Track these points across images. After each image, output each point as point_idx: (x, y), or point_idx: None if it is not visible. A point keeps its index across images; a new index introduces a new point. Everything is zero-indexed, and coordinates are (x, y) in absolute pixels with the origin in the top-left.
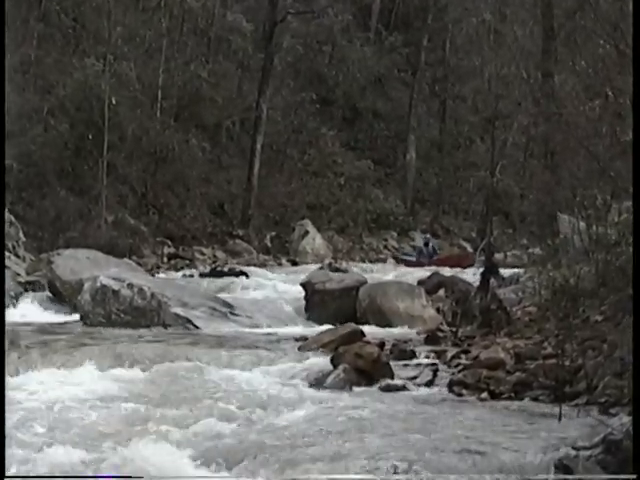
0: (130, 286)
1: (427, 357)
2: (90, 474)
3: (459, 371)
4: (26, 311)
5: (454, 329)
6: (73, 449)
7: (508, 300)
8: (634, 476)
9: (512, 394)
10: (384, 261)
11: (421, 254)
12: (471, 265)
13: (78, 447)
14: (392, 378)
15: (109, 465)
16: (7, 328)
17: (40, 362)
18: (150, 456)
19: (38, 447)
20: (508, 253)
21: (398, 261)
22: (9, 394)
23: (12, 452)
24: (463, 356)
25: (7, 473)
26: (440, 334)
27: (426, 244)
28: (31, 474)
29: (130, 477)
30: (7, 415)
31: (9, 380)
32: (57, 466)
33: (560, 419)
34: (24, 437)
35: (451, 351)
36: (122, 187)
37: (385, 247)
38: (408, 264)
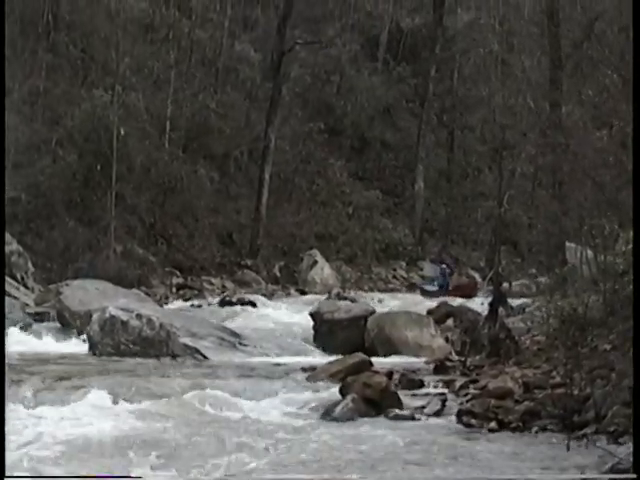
0: (139, 317)
1: (436, 387)
2: None
3: (467, 400)
4: (35, 341)
5: (463, 358)
6: None
7: (516, 329)
8: (634, 476)
9: (520, 423)
10: (399, 290)
11: (443, 285)
12: (474, 295)
13: None
14: (401, 408)
15: None
16: (15, 357)
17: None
18: None
19: None
20: (516, 282)
21: (423, 293)
22: None
23: None
24: (472, 385)
25: None
26: (449, 363)
27: (443, 274)
28: None
29: (129, 477)
30: None
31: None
32: None
33: (568, 448)
34: None
35: (460, 380)
36: (131, 218)
37: (394, 277)
38: (432, 295)
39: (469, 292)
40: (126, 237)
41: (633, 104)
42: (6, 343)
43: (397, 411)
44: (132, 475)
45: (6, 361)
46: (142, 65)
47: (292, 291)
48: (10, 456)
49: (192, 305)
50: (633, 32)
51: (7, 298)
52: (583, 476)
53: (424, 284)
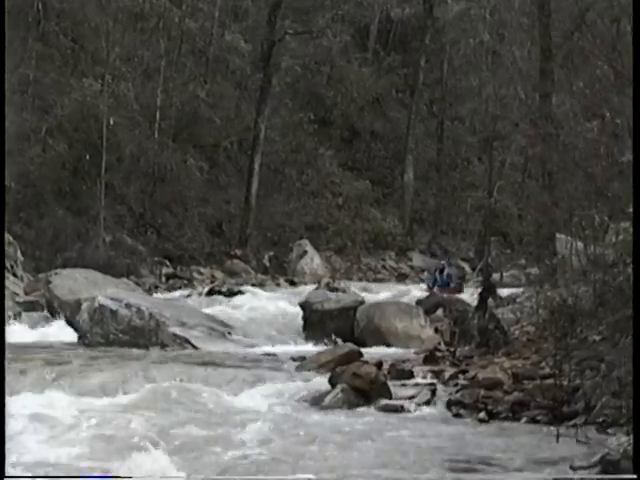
0: (128, 306)
1: (425, 377)
2: None
3: (457, 391)
4: (24, 331)
5: (452, 349)
6: None
7: (506, 320)
8: (634, 476)
9: (510, 414)
10: (389, 281)
11: (435, 282)
12: (462, 291)
13: None
14: (390, 398)
15: None
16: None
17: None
18: None
19: None
20: (506, 273)
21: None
22: None
23: None
24: (461, 376)
25: None
26: (438, 354)
27: (441, 271)
28: None
29: (120, 477)
30: None
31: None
32: None
33: (558, 439)
34: None
35: (449, 371)
36: (120, 207)
37: (383, 267)
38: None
39: (458, 288)
40: (115, 226)
41: (633, 104)
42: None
43: (387, 401)
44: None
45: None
46: (132, 54)
47: (281, 281)
48: None
49: (181, 295)
50: (633, 32)
51: None
52: (583, 476)
53: (429, 280)
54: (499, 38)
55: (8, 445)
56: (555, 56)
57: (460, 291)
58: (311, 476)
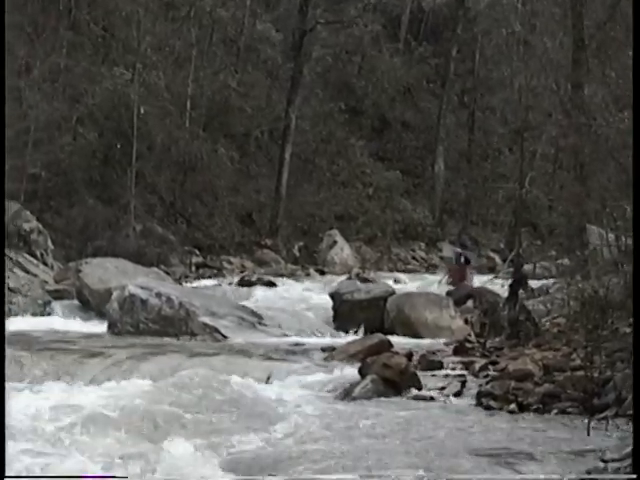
0: (158, 295)
1: (455, 368)
2: None
3: (487, 382)
4: (54, 319)
5: (482, 340)
6: None
7: (537, 311)
8: (634, 476)
9: (540, 406)
10: (418, 271)
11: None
12: (464, 280)
13: None
14: (420, 389)
15: None
16: (36, 335)
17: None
18: None
19: None
20: (537, 264)
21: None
22: None
23: None
24: (491, 367)
25: None
26: (468, 345)
27: (458, 257)
28: None
29: (114, 477)
30: None
31: None
32: None
33: (589, 432)
34: None
35: (479, 362)
36: (150, 196)
37: (413, 258)
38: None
39: (459, 278)
40: (146, 215)
41: (633, 104)
42: (23, 321)
43: (416, 392)
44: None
45: (22, 339)
46: (163, 43)
47: (311, 271)
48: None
49: (211, 284)
50: (633, 32)
51: (26, 275)
52: (583, 476)
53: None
54: (531, 28)
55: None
56: (588, 46)
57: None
58: (356, 476)
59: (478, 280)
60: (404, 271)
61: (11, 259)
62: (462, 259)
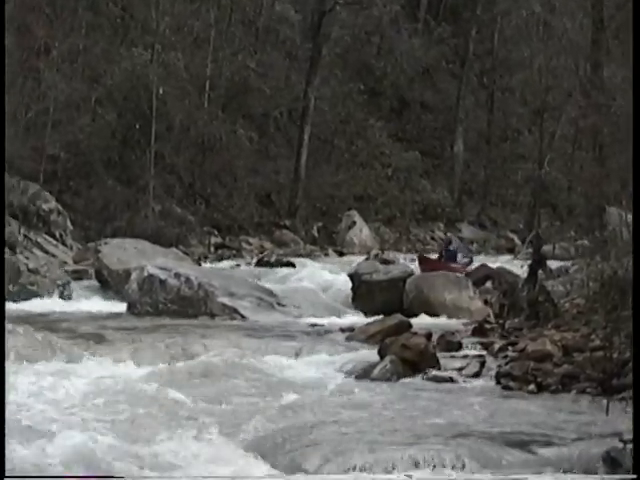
0: (177, 276)
1: (474, 349)
2: None
3: (506, 363)
4: (73, 300)
5: (501, 321)
6: None
7: (556, 292)
8: (634, 476)
9: (559, 386)
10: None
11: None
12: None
13: None
14: (439, 369)
15: None
16: (55, 315)
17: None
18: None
19: None
20: (556, 245)
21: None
22: None
23: None
24: (510, 348)
25: None
26: (487, 326)
27: (447, 244)
28: None
29: (112, 477)
30: None
31: None
32: None
33: (608, 412)
34: None
35: (498, 343)
36: (169, 177)
37: (432, 238)
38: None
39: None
40: (165, 196)
41: (633, 104)
42: (43, 303)
43: (435, 372)
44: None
45: (41, 319)
46: (182, 24)
47: (330, 252)
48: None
49: (230, 265)
50: (633, 32)
51: (46, 256)
52: (582, 476)
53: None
54: (550, 9)
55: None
56: (607, 27)
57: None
58: (410, 473)
59: (498, 261)
60: (423, 252)
61: (30, 240)
62: (444, 255)
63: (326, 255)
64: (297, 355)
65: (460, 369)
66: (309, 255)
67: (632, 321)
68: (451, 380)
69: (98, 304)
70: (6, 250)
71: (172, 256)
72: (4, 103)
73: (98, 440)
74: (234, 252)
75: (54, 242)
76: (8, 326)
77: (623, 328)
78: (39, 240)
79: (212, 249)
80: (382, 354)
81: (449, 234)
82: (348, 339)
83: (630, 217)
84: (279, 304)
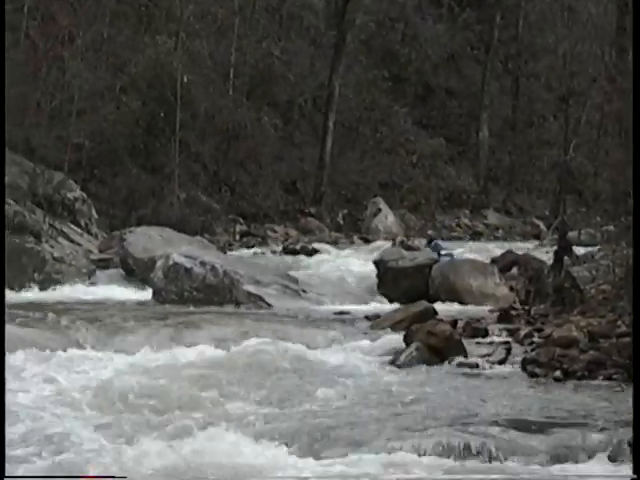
0: (202, 264)
1: (500, 335)
2: None
3: (532, 349)
4: (98, 288)
5: (527, 307)
6: None
7: (582, 278)
8: (634, 476)
9: (585, 373)
10: (462, 239)
11: None
12: None
13: None
14: (465, 356)
15: None
16: (81, 304)
17: None
18: None
19: None
20: (582, 231)
21: None
22: None
23: None
24: (536, 334)
25: None
26: (513, 312)
27: (429, 242)
28: None
29: (114, 477)
30: None
31: None
32: None
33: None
34: None
35: (524, 329)
36: (194, 165)
37: (458, 225)
38: None
39: None
40: (190, 184)
41: (633, 104)
42: (68, 290)
43: (461, 359)
44: None
45: (67, 307)
46: (206, 12)
47: (355, 239)
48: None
49: (255, 253)
50: (633, 32)
51: (71, 245)
52: (582, 476)
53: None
54: None
55: None
56: (632, 11)
57: None
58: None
59: (522, 247)
60: (449, 238)
61: (56, 228)
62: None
63: (351, 242)
64: (323, 342)
65: (486, 355)
66: (334, 242)
67: (632, 321)
68: (477, 366)
69: (123, 292)
70: (31, 239)
71: (197, 244)
72: (4, 103)
73: None
74: (259, 240)
75: (79, 231)
76: (35, 315)
77: None
78: (64, 229)
79: (237, 237)
80: (408, 341)
81: (430, 232)
82: (374, 326)
83: None
84: (304, 291)
